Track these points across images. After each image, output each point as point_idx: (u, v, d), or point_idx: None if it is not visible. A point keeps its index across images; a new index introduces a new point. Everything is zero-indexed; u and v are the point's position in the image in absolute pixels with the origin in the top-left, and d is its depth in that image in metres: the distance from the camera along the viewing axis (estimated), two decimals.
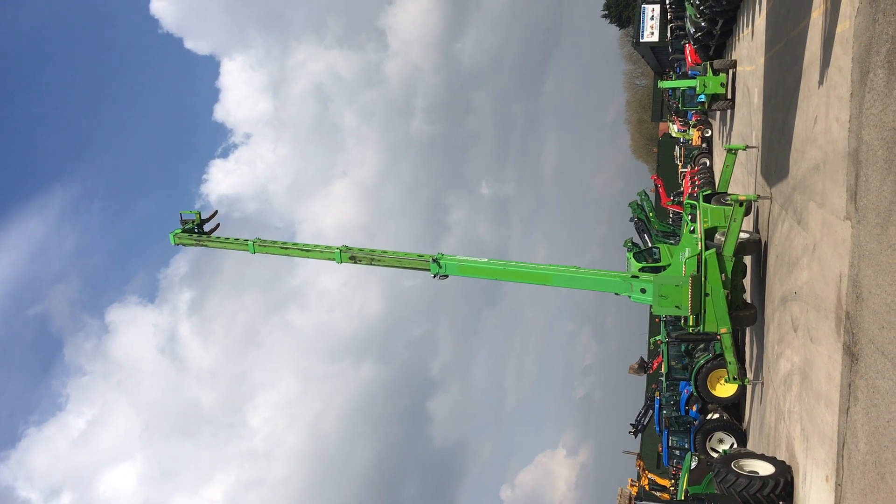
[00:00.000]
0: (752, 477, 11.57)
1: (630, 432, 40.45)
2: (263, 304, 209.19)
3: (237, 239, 19.31)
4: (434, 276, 16.63)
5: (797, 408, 11.33)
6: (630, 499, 22.44)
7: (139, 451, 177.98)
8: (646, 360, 36.27)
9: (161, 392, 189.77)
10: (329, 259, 17.80)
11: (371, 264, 17.44)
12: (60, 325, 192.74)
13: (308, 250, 18.17)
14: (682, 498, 16.18)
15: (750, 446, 17.80)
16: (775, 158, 15.44)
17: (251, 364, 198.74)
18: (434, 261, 16.53)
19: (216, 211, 20.35)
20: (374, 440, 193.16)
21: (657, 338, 32.36)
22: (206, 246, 19.74)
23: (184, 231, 19.64)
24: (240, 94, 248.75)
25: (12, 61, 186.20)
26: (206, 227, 19.91)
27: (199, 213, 19.81)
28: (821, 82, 10.62)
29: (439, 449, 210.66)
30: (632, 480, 38.07)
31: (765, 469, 11.82)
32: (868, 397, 7.38)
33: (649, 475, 36.87)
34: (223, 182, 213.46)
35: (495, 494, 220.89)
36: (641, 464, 37.44)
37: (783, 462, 11.86)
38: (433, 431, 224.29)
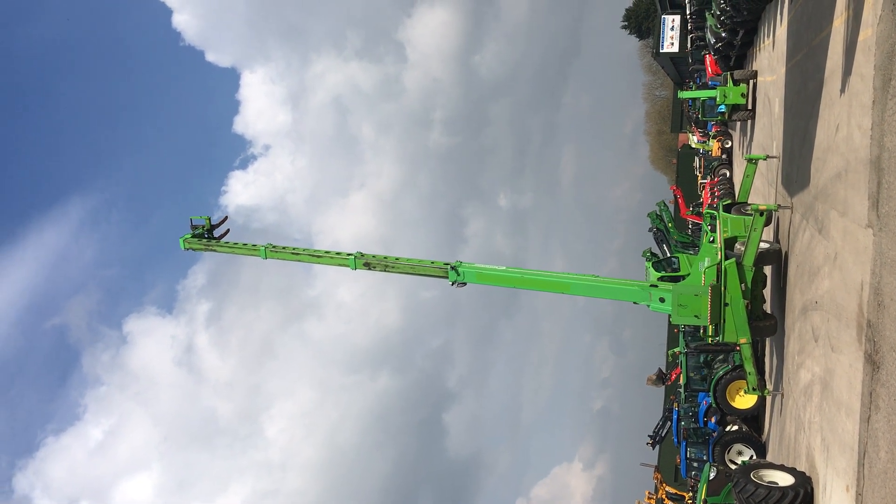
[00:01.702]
0: (772, 487, 11.47)
1: (648, 444, 40.17)
2: (280, 314, 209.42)
3: (246, 244, 19.27)
4: (452, 284, 16.61)
5: (817, 418, 11.24)
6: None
7: (156, 461, 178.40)
8: (664, 371, 36.06)
9: (178, 402, 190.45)
10: (342, 265, 17.68)
11: (385, 271, 17.34)
12: (78, 335, 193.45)
13: (320, 256, 18.02)
14: None
15: (769, 458, 17.62)
16: (796, 168, 15.37)
17: (268, 375, 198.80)
18: (452, 268, 16.50)
19: (226, 217, 20.52)
20: (389, 451, 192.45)
21: (676, 349, 32.21)
22: (215, 251, 19.78)
23: (193, 236, 19.73)
24: (259, 105, 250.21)
25: (33, 71, 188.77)
26: (217, 233, 20.01)
27: (209, 219, 19.94)
28: (843, 90, 10.59)
29: (454, 461, 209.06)
30: (649, 493, 37.87)
31: (784, 479, 11.71)
32: (889, 405, 7.34)
33: (667, 487, 36.62)
34: (242, 193, 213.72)
35: None
36: (659, 476, 37.18)
37: (803, 472, 11.75)
38: (449, 443, 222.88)
